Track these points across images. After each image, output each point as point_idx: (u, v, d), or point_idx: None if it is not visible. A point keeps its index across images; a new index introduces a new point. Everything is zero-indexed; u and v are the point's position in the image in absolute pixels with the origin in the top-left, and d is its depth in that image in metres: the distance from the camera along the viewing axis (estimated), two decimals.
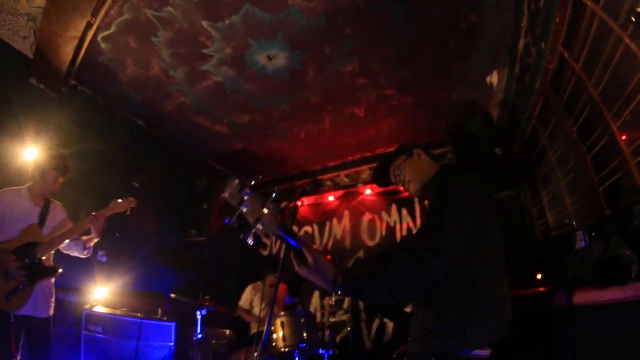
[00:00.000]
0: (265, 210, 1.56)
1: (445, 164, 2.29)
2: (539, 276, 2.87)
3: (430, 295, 1.85)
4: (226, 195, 1.54)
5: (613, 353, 1.70)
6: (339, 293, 1.70)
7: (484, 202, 1.90)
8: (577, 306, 1.88)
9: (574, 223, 3.48)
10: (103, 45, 4.73)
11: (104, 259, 3.92)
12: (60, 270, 3.56)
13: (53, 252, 3.59)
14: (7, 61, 4.78)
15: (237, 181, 1.53)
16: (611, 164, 2.81)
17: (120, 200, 3.85)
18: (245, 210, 1.54)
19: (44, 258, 3.48)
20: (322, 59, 4.53)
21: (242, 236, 1.54)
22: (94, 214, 3.67)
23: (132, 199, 3.92)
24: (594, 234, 1.86)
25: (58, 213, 3.80)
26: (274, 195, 1.56)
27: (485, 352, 1.78)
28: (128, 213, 3.91)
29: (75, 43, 4.55)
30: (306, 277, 1.70)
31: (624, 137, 2.61)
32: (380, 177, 2.42)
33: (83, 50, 4.70)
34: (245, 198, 1.54)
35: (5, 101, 4.71)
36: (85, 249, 3.79)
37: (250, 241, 1.56)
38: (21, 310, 3.31)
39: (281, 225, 1.61)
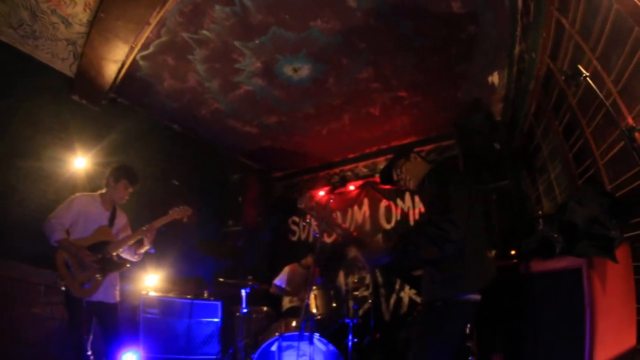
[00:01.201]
0: (326, 214, 2.59)
1: (433, 166, 2.97)
2: (513, 252, 3.54)
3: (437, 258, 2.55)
4: (301, 205, 2.54)
5: (557, 304, 2.38)
6: (394, 258, 2.54)
7: (469, 192, 2.59)
8: (534, 273, 2.58)
9: None
10: (141, 63, 5.18)
11: (152, 251, 4.42)
12: (128, 265, 4.12)
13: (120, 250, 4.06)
14: (49, 81, 5.21)
15: (309, 194, 2.51)
16: (587, 162, 3.22)
17: (177, 208, 4.31)
18: (314, 214, 2.50)
19: (114, 254, 4.02)
20: (340, 69, 5.02)
21: (313, 232, 2.57)
22: (145, 226, 4.15)
23: (187, 207, 4.38)
24: (546, 220, 2.53)
25: (122, 218, 4.32)
26: (331, 200, 2.58)
27: (476, 296, 2.47)
28: (185, 220, 4.38)
29: (118, 65, 5.00)
30: (369, 255, 2.61)
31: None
32: (385, 179, 3.15)
33: (124, 70, 5.15)
34: (314, 206, 2.52)
35: (52, 116, 5.17)
36: (135, 254, 4.24)
37: (317, 234, 2.58)
38: (93, 296, 3.84)
39: (337, 224, 2.64)
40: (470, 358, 3.27)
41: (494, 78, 5.10)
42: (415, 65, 4.92)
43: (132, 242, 4.14)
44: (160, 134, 6.58)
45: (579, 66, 2.27)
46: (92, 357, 3.80)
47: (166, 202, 4.55)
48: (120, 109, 6.04)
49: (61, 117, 5.28)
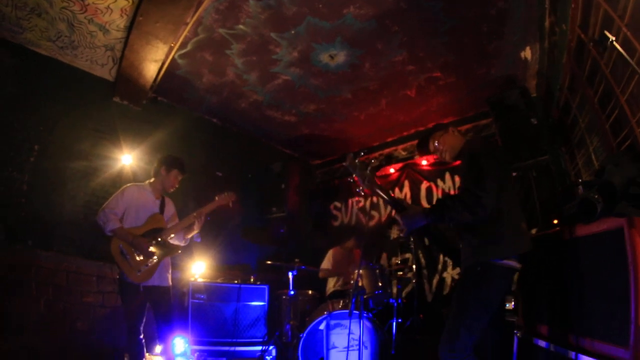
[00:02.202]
0: (368, 173, 2.75)
1: (469, 138, 3.23)
2: (555, 221, 3.58)
3: (474, 226, 2.69)
4: (346, 163, 2.76)
5: (600, 267, 2.43)
6: (430, 220, 2.69)
7: (504, 161, 2.80)
8: (577, 237, 2.63)
9: None
10: (180, 61, 5.40)
11: (199, 240, 4.56)
12: (179, 251, 4.30)
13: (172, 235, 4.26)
14: (90, 86, 5.55)
15: (351, 154, 2.73)
16: (624, 131, 3.18)
17: (223, 195, 4.48)
18: (357, 172, 2.70)
19: (167, 239, 4.21)
20: (376, 53, 5.10)
21: (358, 189, 2.83)
22: (195, 212, 4.33)
23: (232, 193, 4.53)
24: (586, 185, 2.57)
25: (170, 207, 4.54)
26: (372, 161, 2.85)
27: (513, 263, 2.61)
28: (230, 205, 4.53)
29: (158, 65, 5.19)
30: (407, 218, 2.74)
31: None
32: (422, 146, 3.36)
33: (164, 69, 5.34)
34: (357, 167, 2.73)
35: (96, 118, 5.51)
36: (184, 239, 4.40)
37: (362, 192, 2.90)
38: (149, 281, 4.03)
39: (377, 184, 2.78)
40: (515, 332, 3.32)
41: (527, 53, 5.08)
42: (448, 45, 4.96)
43: (183, 227, 4.33)
44: (201, 129, 6.85)
45: (606, 32, 2.32)
46: (144, 341, 4.04)
47: (211, 193, 4.68)
48: (161, 107, 6.34)
49: (105, 118, 5.62)
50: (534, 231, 4.47)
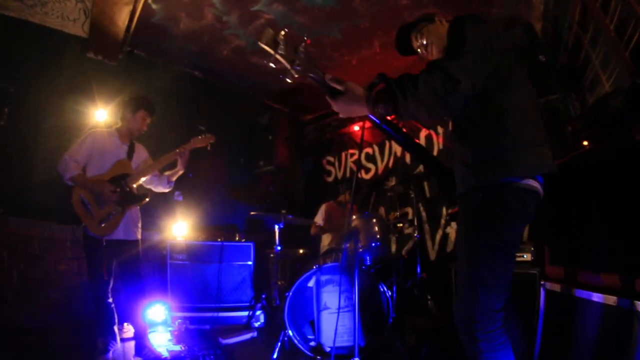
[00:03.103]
0: (301, 54, 1.91)
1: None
2: (585, 142, 3.02)
3: (465, 130, 2.06)
4: (262, 42, 1.86)
5: None
6: (375, 108, 1.89)
7: (504, 38, 2.01)
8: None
9: None
10: (154, 6, 5.11)
11: (180, 198, 4.36)
12: (147, 199, 4.00)
13: (141, 181, 4.00)
14: (63, 45, 5.32)
15: (270, 30, 1.84)
16: None
17: (199, 137, 4.20)
18: (281, 53, 1.86)
19: (134, 186, 3.92)
20: None
21: (281, 76, 1.91)
22: (178, 149, 4.08)
23: (210, 134, 4.26)
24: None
25: (141, 151, 4.23)
26: (305, 41, 1.90)
27: (531, 183, 1.92)
28: (208, 148, 4.26)
29: (129, 8, 4.89)
30: (343, 105, 1.98)
31: None
32: (401, 43, 2.57)
33: (137, 15, 5.06)
34: (280, 43, 1.85)
35: (70, 77, 5.27)
36: (168, 182, 4.23)
37: (289, 80, 1.93)
38: (113, 234, 3.76)
39: (315, 68, 1.96)
40: (542, 283, 2.79)
41: None
42: None
43: (158, 168, 4.09)
44: (182, 83, 6.57)
45: None
46: (112, 305, 3.75)
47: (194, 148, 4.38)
48: (138, 61, 6.07)
49: (79, 75, 5.40)
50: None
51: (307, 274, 4.16)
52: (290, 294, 4.05)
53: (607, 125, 2.16)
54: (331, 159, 7.88)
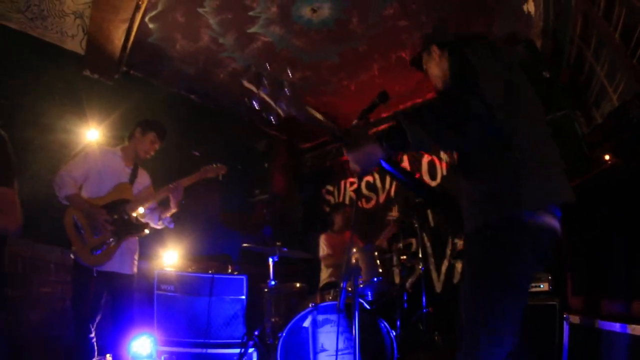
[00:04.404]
0: (286, 92, 1.74)
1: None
2: (607, 157, 2.81)
3: (471, 162, 1.87)
4: (244, 82, 1.78)
5: None
6: (391, 149, 1.81)
7: (507, 60, 1.87)
8: None
9: None
10: (151, 26, 5.12)
11: (171, 225, 4.14)
12: (147, 231, 3.79)
13: (140, 210, 3.77)
14: (60, 60, 5.23)
15: (253, 67, 1.76)
16: None
17: (210, 166, 4.10)
18: (266, 92, 1.72)
19: (133, 214, 3.69)
20: (363, 5, 4.70)
21: (264, 114, 1.76)
22: (172, 184, 3.88)
23: (221, 165, 4.15)
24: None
25: (144, 178, 4.02)
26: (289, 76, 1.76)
27: (547, 219, 1.74)
28: (220, 179, 4.15)
29: (125, 26, 4.86)
30: (351, 153, 1.85)
31: None
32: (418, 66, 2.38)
33: (133, 34, 5.03)
34: (265, 82, 1.71)
35: (64, 93, 5.13)
36: (159, 219, 3.94)
37: (273, 120, 1.79)
38: (105, 265, 3.48)
39: (302, 106, 1.82)
40: (565, 316, 2.60)
41: (530, 6, 4.69)
42: None
43: (155, 200, 3.90)
44: (177, 106, 6.49)
45: None
46: (94, 340, 3.43)
47: (186, 174, 4.22)
48: (134, 82, 6.04)
49: (73, 92, 5.28)
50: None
51: (303, 313, 3.94)
52: (284, 334, 3.83)
53: (630, 135, 1.96)
54: (330, 187, 7.76)
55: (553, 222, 1.73)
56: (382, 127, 6.83)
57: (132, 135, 3.94)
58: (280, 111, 1.75)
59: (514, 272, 1.71)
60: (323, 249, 5.70)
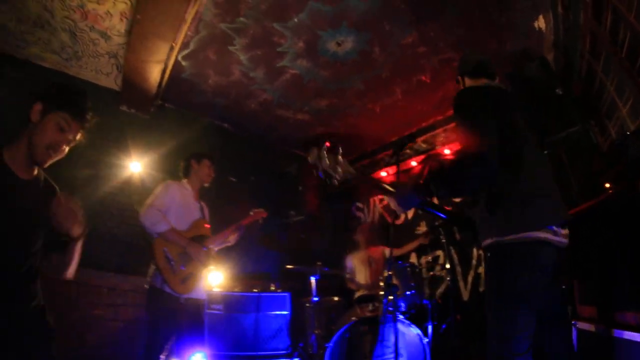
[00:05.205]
0: (340, 162, 2.31)
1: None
2: (607, 185, 3.03)
3: (475, 194, 2.25)
4: (310, 160, 2.30)
5: None
6: (425, 195, 2.18)
7: (508, 104, 2.30)
8: None
9: None
10: (184, 63, 5.38)
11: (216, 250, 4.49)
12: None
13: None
14: (97, 97, 5.40)
15: (315, 150, 2.27)
16: None
17: (257, 210, 4.36)
18: (325, 165, 2.26)
19: (212, 248, 3.97)
20: (384, 36, 4.90)
21: (327, 181, 2.31)
22: (235, 225, 4.15)
23: (262, 210, 4.40)
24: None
25: (207, 212, 4.25)
26: (340, 149, 2.33)
27: (542, 235, 2.01)
28: (260, 222, 4.40)
29: (160, 66, 5.16)
30: (394, 200, 2.27)
31: None
32: None
33: (167, 72, 5.31)
34: (324, 157, 2.25)
35: (104, 129, 5.37)
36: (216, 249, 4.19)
37: (334, 182, 2.32)
38: (192, 293, 3.70)
39: (351, 172, 2.36)
40: (573, 323, 2.85)
41: (540, 23, 4.81)
42: (458, 21, 4.76)
43: (225, 238, 4.10)
44: (211, 134, 6.80)
45: None
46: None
47: (225, 199, 4.77)
48: (169, 114, 6.37)
49: (113, 127, 5.63)
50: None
51: (346, 326, 4.29)
52: (331, 344, 4.20)
53: (626, 169, 2.24)
54: (360, 205, 7.97)
55: (547, 236, 2.02)
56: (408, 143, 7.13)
57: (188, 169, 4.15)
58: (337, 176, 2.27)
59: (511, 287, 2.02)
60: (352, 270, 6.01)
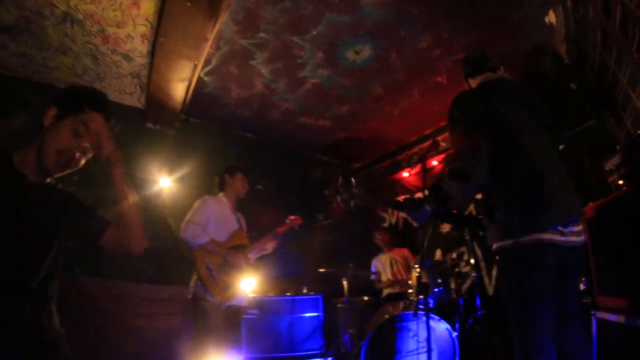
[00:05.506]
0: (356, 192, 2.59)
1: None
2: (621, 182, 3.07)
3: (484, 196, 2.30)
4: (329, 193, 2.74)
5: None
6: (435, 208, 2.29)
7: (489, 100, 2.29)
8: None
9: None
10: (206, 79, 5.55)
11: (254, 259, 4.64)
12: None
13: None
14: (122, 116, 5.59)
15: (340, 180, 2.59)
16: None
17: (293, 217, 4.55)
18: (342, 197, 2.60)
19: (250, 257, 4.17)
20: (400, 41, 5.02)
21: (344, 206, 2.61)
22: (272, 234, 4.34)
23: (297, 216, 4.59)
24: None
25: (244, 221, 4.48)
26: (353, 181, 2.62)
27: (540, 236, 2.05)
28: (296, 228, 4.60)
29: (185, 84, 5.33)
30: (409, 215, 2.39)
31: None
32: None
33: (192, 89, 5.49)
34: (340, 190, 2.61)
35: (132, 146, 5.58)
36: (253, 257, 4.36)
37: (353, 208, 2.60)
38: (233, 300, 3.92)
39: (365, 198, 2.67)
40: (592, 313, 2.85)
41: (551, 17, 4.86)
42: (470, 22, 4.85)
43: (262, 246, 4.31)
44: (236, 145, 7.00)
45: None
46: None
47: (254, 207, 4.79)
48: (194, 128, 6.53)
49: (140, 145, 5.77)
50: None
51: (382, 322, 4.46)
52: (366, 342, 4.36)
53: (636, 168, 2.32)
54: None
55: (549, 237, 2.05)
56: (427, 143, 7.24)
57: (223, 183, 4.39)
58: (353, 204, 2.57)
59: (519, 289, 2.10)
60: (377, 271, 6.27)
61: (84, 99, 2.04)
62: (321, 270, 5.54)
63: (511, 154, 2.18)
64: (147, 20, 4.48)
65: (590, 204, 2.90)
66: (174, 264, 5.70)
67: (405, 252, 6.30)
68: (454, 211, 2.84)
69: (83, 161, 2.07)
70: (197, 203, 4.13)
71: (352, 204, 2.55)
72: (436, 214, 2.37)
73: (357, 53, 5.17)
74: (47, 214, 1.88)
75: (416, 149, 7.49)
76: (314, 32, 4.81)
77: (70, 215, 2.00)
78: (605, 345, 2.55)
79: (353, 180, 2.60)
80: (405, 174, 7.63)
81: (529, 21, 4.89)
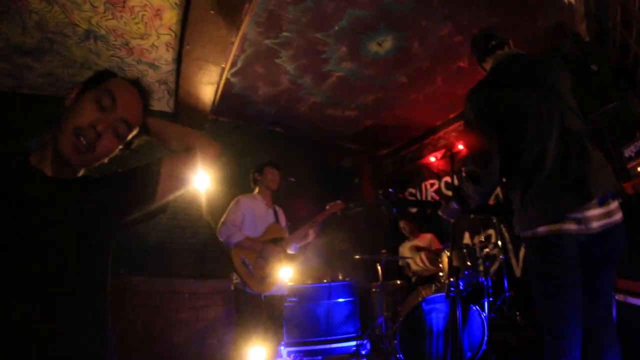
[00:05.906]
0: (395, 199, 2.80)
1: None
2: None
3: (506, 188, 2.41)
4: (383, 199, 2.82)
5: None
6: (461, 207, 2.52)
7: (485, 100, 2.37)
8: None
9: None
10: (233, 80, 5.70)
11: (297, 249, 4.76)
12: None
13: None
14: None
15: (380, 193, 2.81)
16: None
17: (333, 203, 4.69)
18: (386, 203, 2.80)
19: (287, 249, 4.35)
20: (421, 31, 5.09)
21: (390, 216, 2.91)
22: (310, 222, 4.45)
23: (339, 201, 4.73)
24: None
25: (283, 216, 4.67)
26: (390, 190, 2.83)
27: (552, 227, 2.07)
28: (338, 214, 4.73)
29: (213, 87, 5.48)
30: (443, 214, 2.70)
31: None
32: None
33: (220, 90, 5.70)
34: (383, 200, 2.80)
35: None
36: (296, 247, 4.49)
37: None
38: (271, 291, 4.10)
39: (401, 201, 2.87)
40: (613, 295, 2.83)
41: None
42: (489, 6, 4.85)
43: (302, 236, 4.44)
44: (265, 140, 7.13)
45: None
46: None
47: (287, 200, 4.95)
48: (223, 127, 6.68)
49: None
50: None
51: (415, 304, 4.65)
52: (400, 324, 4.57)
53: None
54: (412, 190, 8.15)
55: (562, 227, 2.05)
56: (452, 127, 7.30)
57: (255, 181, 4.61)
58: (398, 210, 2.79)
59: (542, 275, 2.15)
60: (411, 263, 6.38)
61: (109, 72, 1.61)
62: (357, 257, 5.74)
63: (519, 146, 2.23)
64: (170, 29, 4.61)
65: None
66: (215, 259, 5.95)
67: (429, 237, 6.43)
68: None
69: (117, 145, 1.58)
70: (231, 204, 4.33)
71: (395, 211, 2.76)
72: (465, 210, 2.58)
73: (379, 45, 5.25)
74: (75, 211, 1.40)
75: (441, 133, 7.56)
76: (336, 28, 4.91)
77: (119, 196, 1.58)
78: (622, 327, 2.56)
79: (391, 190, 2.82)
80: (432, 159, 7.70)
81: (547, 2, 4.88)
